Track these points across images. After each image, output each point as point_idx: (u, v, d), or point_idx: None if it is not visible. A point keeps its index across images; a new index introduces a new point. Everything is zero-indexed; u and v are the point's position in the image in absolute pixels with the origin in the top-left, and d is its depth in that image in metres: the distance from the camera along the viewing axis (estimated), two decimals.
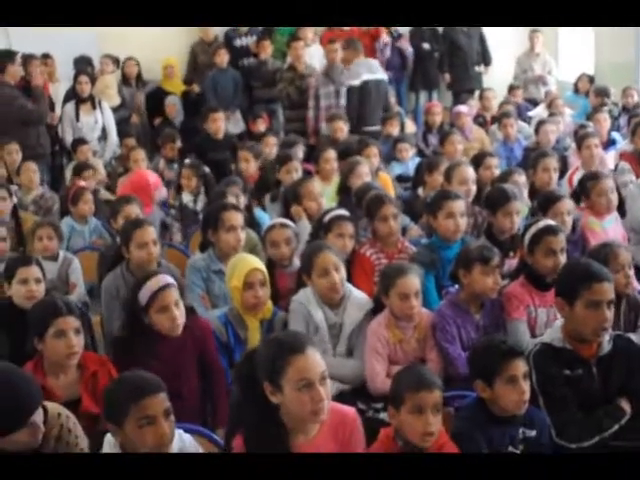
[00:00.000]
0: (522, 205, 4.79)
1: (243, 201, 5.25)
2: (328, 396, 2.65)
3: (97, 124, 8.29)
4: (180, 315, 3.51)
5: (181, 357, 3.53)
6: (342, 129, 7.36)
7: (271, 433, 2.64)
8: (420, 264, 4.18)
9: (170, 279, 3.57)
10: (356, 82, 8.01)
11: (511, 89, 9.95)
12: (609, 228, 4.90)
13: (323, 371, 2.63)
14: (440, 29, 10.94)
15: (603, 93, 8.55)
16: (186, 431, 2.87)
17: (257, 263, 3.90)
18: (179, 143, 7.76)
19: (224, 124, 7.91)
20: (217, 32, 10.30)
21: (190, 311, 3.66)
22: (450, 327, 3.69)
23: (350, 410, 2.86)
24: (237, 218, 4.44)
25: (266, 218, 5.49)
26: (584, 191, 4.95)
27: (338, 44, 8.43)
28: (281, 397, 2.62)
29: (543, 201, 4.67)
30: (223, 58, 9.53)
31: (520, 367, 2.91)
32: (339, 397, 3.43)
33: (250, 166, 6.55)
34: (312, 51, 9.48)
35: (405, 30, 10.99)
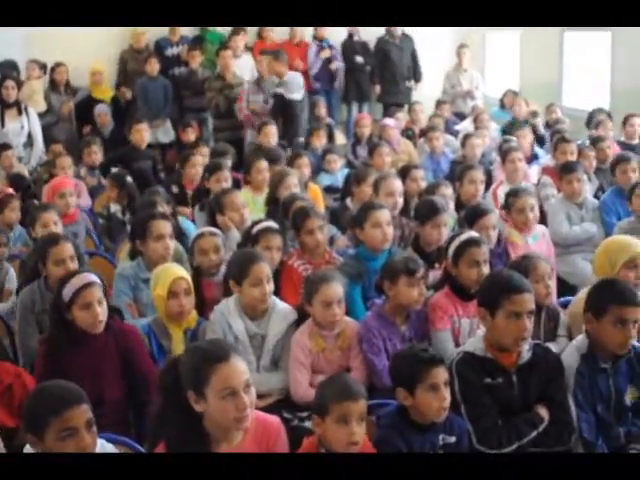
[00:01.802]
0: (449, 217, 4.87)
1: (167, 210, 5.20)
2: (252, 404, 2.65)
3: (23, 130, 8.15)
4: (102, 313, 3.50)
5: (103, 358, 3.50)
6: (271, 135, 7.50)
7: (194, 441, 2.63)
8: (346, 275, 4.22)
9: (94, 277, 3.56)
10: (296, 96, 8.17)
11: (439, 103, 10.14)
12: (534, 243, 5.00)
13: (247, 379, 2.64)
14: (372, 42, 11.08)
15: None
16: (109, 441, 2.84)
17: (181, 272, 3.89)
18: (99, 149, 7.71)
19: (148, 134, 8.00)
20: (148, 40, 10.23)
21: (115, 315, 3.65)
22: (376, 339, 3.72)
23: (274, 419, 2.87)
24: (165, 227, 4.43)
25: (192, 228, 5.47)
26: (507, 206, 5.06)
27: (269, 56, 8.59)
28: (205, 405, 2.61)
29: (470, 214, 4.76)
30: (154, 67, 9.49)
31: (441, 375, 2.96)
32: (264, 406, 3.44)
33: (198, 172, 6.57)
34: (243, 61, 9.49)
35: (337, 43, 11.11)
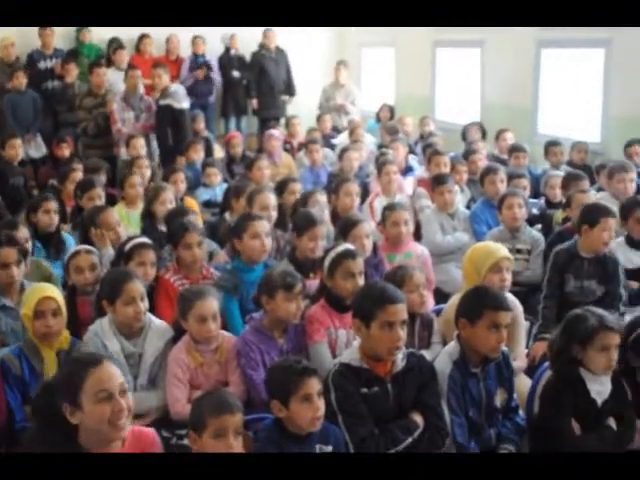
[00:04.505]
0: (325, 228, 4.92)
1: (25, 232, 4.99)
2: (130, 408, 2.64)
3: None
4: None
5: None
6: (140, 147, 7.57)
7: None
8: (223, 289, 4.24)
9: None
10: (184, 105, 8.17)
11: (320, 117, 10.26)
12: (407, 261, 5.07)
13: (122, 382, 2.63)
14: (248, 56, 11.12)
15: (393, 131, 8.95)
16: None
17: (50, 291, 3.79)
18: None
19: (22, 150, 7.83)
20: (19, 53, 9.93)
21: None
22: (254, 353, 3.72)
23: (149, 430, 2.86)
24: (10, 254, 4.27)
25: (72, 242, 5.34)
26: (382, 220, 5.13)
27: (139, 70, 8.55)
28: (81, 415, 2.58)
29: (343, 225, 4.81)
30: (21, 81, 9.20)
31: (314, 385, 2.98)
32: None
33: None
34: (117, 76, 9.35)
35: (214, 57, 11.10)
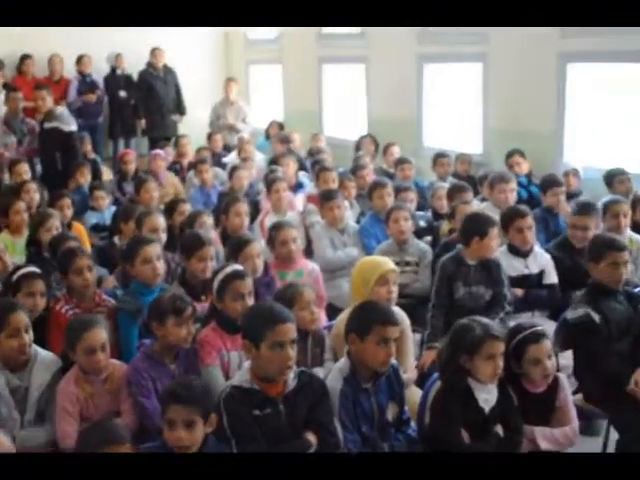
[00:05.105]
0: (214, 248, 4.89)
1: None
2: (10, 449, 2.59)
3: None
4: None
5: None
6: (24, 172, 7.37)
7: None
8: (126, 313, 4.19)
9: None
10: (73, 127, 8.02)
11: (210, 136, 10.21)
12: (298, 279, 5.08)
13: None
14: (135, 75, 11.00)
15: (286, 140, 9.04)
16: None
17: None
18: None
19: None
20: None
21: None
22: (145, 380, 3.66)
23: None
24: None
25: None
26: (270, 240, 5.13)
27: (20, 92, 8.34)
28: None
29: (234, 245, 4.80)
30: None
31: (180, 413, 2.93)
32: None
33: None
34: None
35: (100, 77, 10.94)
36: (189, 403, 2.94)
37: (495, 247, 4.81)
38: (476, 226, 4.76)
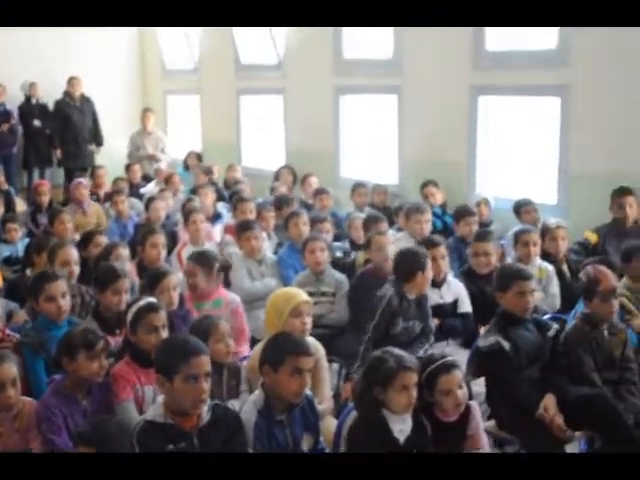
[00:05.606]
0: (129, 281, 4.84)
1: None
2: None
3: None
4: None
5: None
6: None
7: None
8: (29, 348, 4.09)
9: None
10: None
11: (128, 166, 10.12)
12: (216, 309, 5.05)
13: None
14: (51, 104, 10.85)
15: (208, 172, 9.03)
16: None
17: None
18: None
19: None
20: None
21: None
22: (55, 417, 3.58)
23: None
24: None
25: None
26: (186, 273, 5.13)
27: None
28: None
29: (150, 277, 4.76)
30: None
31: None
32: None
33: None
34: None
35: (14, 106, 10.76)
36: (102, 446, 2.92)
37: (429, 280, 4.83)
38: (417, 261, 4.74)
